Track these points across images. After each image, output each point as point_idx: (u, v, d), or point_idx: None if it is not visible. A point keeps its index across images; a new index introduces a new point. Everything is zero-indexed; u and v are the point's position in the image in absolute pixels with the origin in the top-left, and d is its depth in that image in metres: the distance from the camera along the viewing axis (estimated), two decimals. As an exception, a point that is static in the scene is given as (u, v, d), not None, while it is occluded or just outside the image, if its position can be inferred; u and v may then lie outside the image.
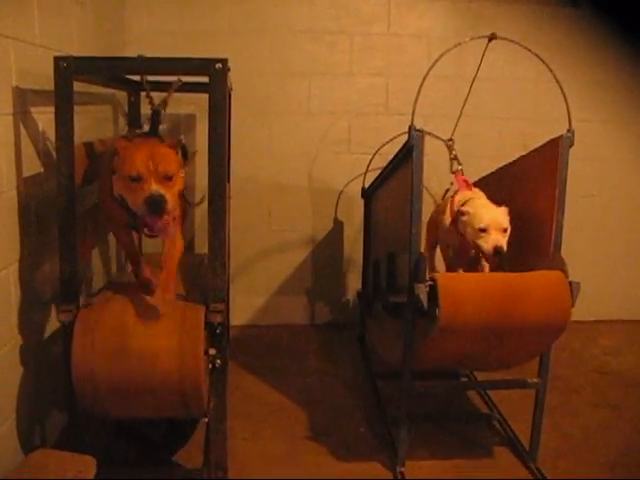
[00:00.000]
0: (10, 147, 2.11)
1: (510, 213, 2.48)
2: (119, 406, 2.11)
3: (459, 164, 2.81)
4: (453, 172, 2.81)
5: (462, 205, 2.55)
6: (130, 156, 1.99)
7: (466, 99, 2.93)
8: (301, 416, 3.00)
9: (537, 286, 2.28)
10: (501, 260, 2.50)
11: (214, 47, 3.81)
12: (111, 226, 2.41)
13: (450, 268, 2.88)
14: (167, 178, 1.99)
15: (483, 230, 2.42)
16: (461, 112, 2.96)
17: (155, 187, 1.94)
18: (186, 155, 2.21)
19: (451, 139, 2.91)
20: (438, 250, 2.98)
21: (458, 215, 2.55)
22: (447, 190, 2.93)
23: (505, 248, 2.41)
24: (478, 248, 2.47)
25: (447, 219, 2.63)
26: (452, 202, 2.61)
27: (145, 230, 2.02)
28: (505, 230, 2.43)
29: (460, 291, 2.25)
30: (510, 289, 2.26)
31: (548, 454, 2.68)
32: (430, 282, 2.28)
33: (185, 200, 2.32)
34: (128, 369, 2.01)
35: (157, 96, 2.27)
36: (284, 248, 4.20)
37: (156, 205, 1.94)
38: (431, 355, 2.43)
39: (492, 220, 2.42)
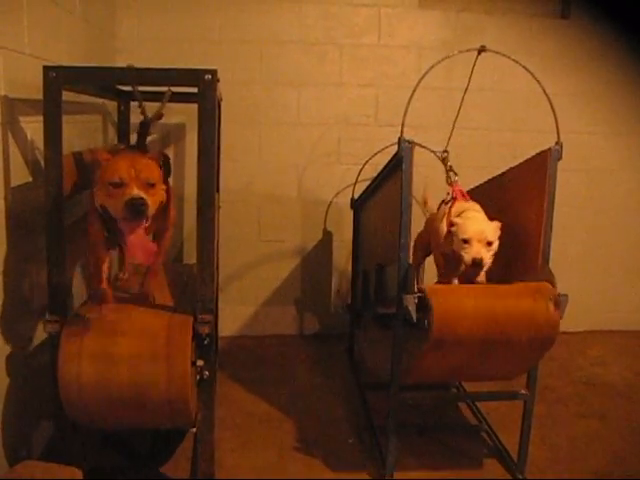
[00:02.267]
0: (-2, 156, 2.10)
1: (501, 228, 2.49)
2: (106, 417, 2.10)
3: (455, 175, 2.81)
4: (449, 183, 2.81)
5: (457, 216, 2.56)
6: (112, 164, 2.00)
7: (459, 111, 2.94)
8: (289, 427, 2.99)
9: (525, 298, 2.28)
10: (478, 271, 2.51)
11: (204, 56, 3.82)
12: (90, 239, 2.31)
13: (443, 278, 2.88)
14: (149, 185, 2.00)
15: (466, 241, 2.43)
16: (454, 124, 2.96)
17: (136, 191, 1.95)
18: (169, 170, 2.21)
19: (446, 150, 2.91)
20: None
21: (450, 226, 2.55)
22: (443, 201, 2.94)
23: (486, 261, 2.42)
24: (461, 259, 2.47)
25: (444, 228, 2.63)
26: (449, 212, 2.61)
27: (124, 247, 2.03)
28: (489, 243, 2.44)
29: (452, 303, 2.26)
30: (500, 301, 2.27)
31: (536, 465, 2.68)
32: (419, 294, 2.28)
33: (168, 215, 2.30)
34: (115, 379, 2.00)
35: (146, 106, 2.27)
36: (273, 258, 4.19)
37: (136, 208, 1.93)
38: (420, 367, 2.42)
39: (476, 232, 2.43)
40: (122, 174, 1.96)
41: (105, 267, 2.28)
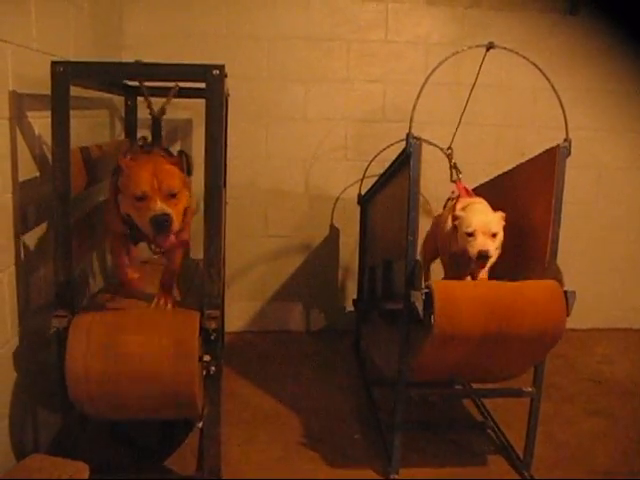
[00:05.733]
0: (6, 151, 2.10)
1: (506, 219, 2.49)
2: (112, 409, 2.11)
3: (459, 173, 2.81)
4: (453, 181, 2.81)
5: (461, 210, 2.55)
6: (134, 175, 2.02)
7: (465, 107, 2.93)
8: (295, 422, 2.99)
9: (532, 295, 2.28)
10: (484, 264, 2.50)
11: (211, 52, 3.82)
12: (108, 234, 2.40)
13: (449, 277, 2.87)
14: (171, 195, 2.02)
15: (470, 234, 2.43)
16: (460, 120, 2.96)
17: (160, 206, 1.97)
18: (190, 169, 2.21)
19: (450, 148, 2.91)
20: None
21: (454, 220, 2.55)
22: (448, 199, 2.94)
23: (492, 253, 2.42)
24: (466, 252, 2.47)
25: (448, 225, 2.63)
26: (454, 209, 2.61)
27: (152, 247, 2.09)
28: (494, 235, 2.43)
29: (455, 298, 2.25)
30: (505, 298, 2.26)
31: (542, 462, 2.67)
32: (426, 290, 2.27)
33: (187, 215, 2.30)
34: (122, 373, 2.01)
35: (153, 101, 2.27)
36: (280, 254, 4.19)
37: (161, 225, 1.97)
38: (426, 364, 2.42)
39: (480, 224, 2.43)
40: (145, 187, 1.97)
41: (126, 259, 2.35)
